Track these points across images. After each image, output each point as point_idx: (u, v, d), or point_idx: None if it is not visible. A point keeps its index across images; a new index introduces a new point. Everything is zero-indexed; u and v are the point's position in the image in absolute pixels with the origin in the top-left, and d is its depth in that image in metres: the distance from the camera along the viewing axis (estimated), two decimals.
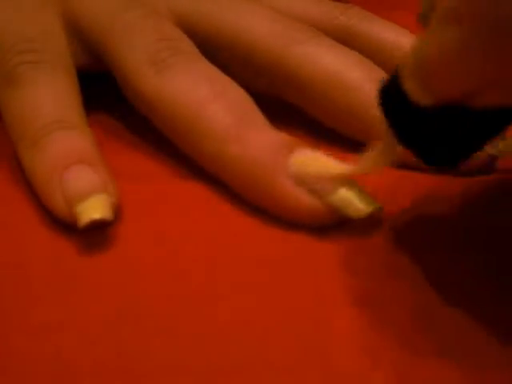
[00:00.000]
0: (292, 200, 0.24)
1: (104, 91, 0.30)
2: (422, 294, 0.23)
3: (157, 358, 0.21)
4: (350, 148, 0.27)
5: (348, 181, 0.24)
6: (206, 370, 0.21)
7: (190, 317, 0.22)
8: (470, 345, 0.21)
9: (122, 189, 0.26)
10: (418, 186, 0.27)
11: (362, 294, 0.23)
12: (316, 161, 0.25)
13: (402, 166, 0.27)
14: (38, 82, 0.27)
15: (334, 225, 0.25)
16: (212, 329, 0.22)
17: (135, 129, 0.29)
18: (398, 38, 0.30)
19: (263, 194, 0.25)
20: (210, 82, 0.27)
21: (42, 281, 0.23)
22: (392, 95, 0.21)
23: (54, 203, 0.25)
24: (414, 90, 0.20)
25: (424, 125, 0.21)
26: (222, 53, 0.29)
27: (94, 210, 0.24)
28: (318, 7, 0.31)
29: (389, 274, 0.23)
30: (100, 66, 0.29)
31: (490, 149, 0.26)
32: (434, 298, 0.22)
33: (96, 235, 0.25)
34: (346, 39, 0.31)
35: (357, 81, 0.27)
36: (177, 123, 0.27)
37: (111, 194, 0.25)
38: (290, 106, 0.29)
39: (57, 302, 0.23)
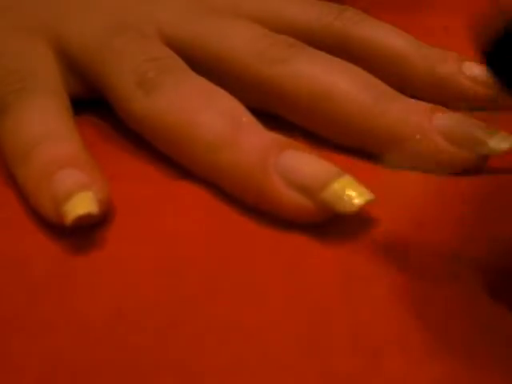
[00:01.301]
0: (283, 200, 0.25)
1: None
2: (421, 293, 0.23)
3: (157, 357, 0.21)
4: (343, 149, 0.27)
5: (340, 173, 0.24)
6: (205, 369, 0.21)
7: (188, 316, 0.22)
8: (467, 344, 0.21)
9: (121, 189, 0.26)
10: (414, 186, 0.27)
11: (361, 294, 0.23)
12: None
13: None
14: (26, 106, 0.27)
15: (334, 224, 0.25)
16: (211, 328, 0.22)
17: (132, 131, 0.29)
18: (393, 41, 0.30)
19: (256, 195, 0.25)
20: (199, 92, 0.27)
21: (41, 280, 0.23)
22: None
23: (44, 208, 0.25)
24: None
25: None
26: (210, 73, 0.29)
27: (80, 206, 0.24)
28: (312, 11, 0.31)
29: (388, 275, 0.23)
30: (93, 93, 0.30)
31: (480, 149, 0.26)
32: (432, 298, 0.22)
33: (95, 235, 0.25)
34: (340, 44, 0.30)
35: (343, 91, 0.28)
36: (169, 136, 0.27)
37: (98, 191, 0.25)
38: None
39: (56, 301, 0.23)
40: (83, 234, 0.25)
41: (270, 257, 0.24)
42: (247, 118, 0.27)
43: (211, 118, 0.26)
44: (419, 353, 0.21)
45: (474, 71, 0.29)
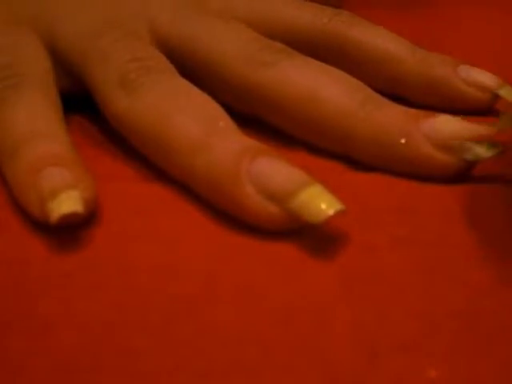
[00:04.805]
0: (254, 207, 0.24)
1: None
2: (420, 294, 0.23)
3: (156, 357, 0.21)
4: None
5: (310, 182, 0.24)
6: (206, 369, 0.20)
7: (189, 316, 0.22)
8: (468, 344, 0.21)
9: (113, 189, 0.26)
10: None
11: (361, 294, 0.23)
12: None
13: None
14: (15, 102, 0.27)
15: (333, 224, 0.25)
16: (211, 328, 0.22)
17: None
18: (388, 44, 0.30)
19: (227, 202, 0.25)
20: (178, 94, 0.27)
21: (42, 278, 0.23)
22: None
23: (30, 206, 0.25)
24: None
25: None
26: (199, 76, 0.29)
27: (65, 205, 0.24)
28: (307, 15, 0.31)
29: (389, 275, 0.23)
30: (81, 89, 0.30)
31: (465, 155, 0.26)
32: (431, 297, 0.23)
33: (92, 234, 0.25)
34: (335, 47, 0.31)
35: (328, 95, 0.27)
36: (146, 140, 0.27)
37: (85, 189, 0.24)
38: None
39: (57, 300, 0.23)
40: (80, 234, 0.25)
41: (269, 257, 0.24)
42: (224, 122, 0.26)
43: (186, 121, 0.26)
44: (419, 353, 0.21)
45: (470, 74, 0.30)
